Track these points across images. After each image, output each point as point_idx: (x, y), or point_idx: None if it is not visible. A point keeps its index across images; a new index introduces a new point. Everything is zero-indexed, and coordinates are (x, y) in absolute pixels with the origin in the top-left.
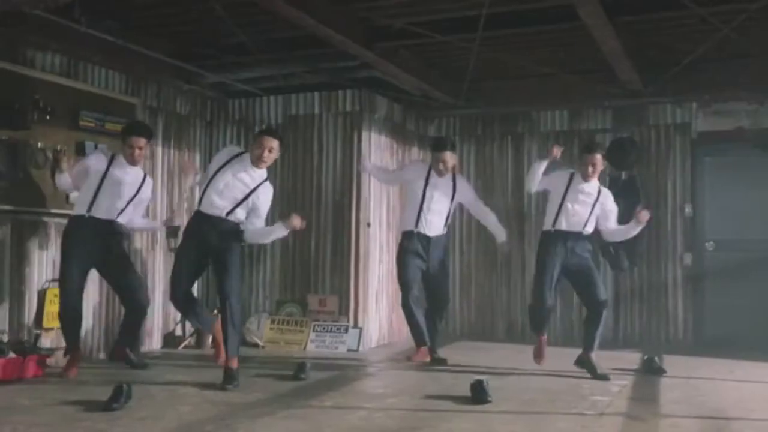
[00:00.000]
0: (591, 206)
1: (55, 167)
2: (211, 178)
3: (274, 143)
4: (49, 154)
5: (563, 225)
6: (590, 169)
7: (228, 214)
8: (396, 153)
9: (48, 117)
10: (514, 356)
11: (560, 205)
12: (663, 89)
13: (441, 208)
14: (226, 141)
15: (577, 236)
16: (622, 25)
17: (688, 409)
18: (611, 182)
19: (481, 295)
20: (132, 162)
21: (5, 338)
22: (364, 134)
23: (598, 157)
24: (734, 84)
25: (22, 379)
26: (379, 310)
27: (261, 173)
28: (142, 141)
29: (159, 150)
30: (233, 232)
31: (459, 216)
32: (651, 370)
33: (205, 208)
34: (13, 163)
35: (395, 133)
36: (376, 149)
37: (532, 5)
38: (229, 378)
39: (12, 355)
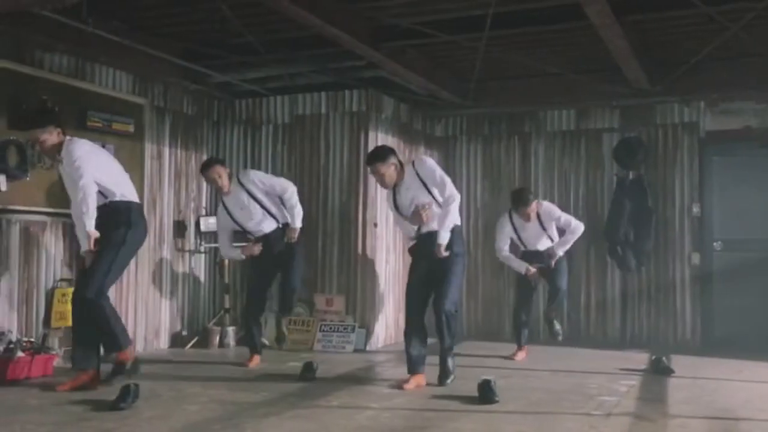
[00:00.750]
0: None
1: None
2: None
3: (216, 170)
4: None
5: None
6: (529, 216)
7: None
8: (403, 153)
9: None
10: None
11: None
12: (670, 88)
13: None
14: (233, 141)
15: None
16: (629, 24)
17: (696, 409)
18: (618, 182)
19: (488, 295)
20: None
21: (14, 338)
22: (371, 134)
23: (532, 206)
24: (742, 83)
25: (31, 378)
26: (385, 310)
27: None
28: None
29: (166, 150)
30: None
31: (465, 217)
32: (659, 370)
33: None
34: (21, 163)
35: (402, 133)
36: None
37: (539, 4)
38: None
39: (20, 354)
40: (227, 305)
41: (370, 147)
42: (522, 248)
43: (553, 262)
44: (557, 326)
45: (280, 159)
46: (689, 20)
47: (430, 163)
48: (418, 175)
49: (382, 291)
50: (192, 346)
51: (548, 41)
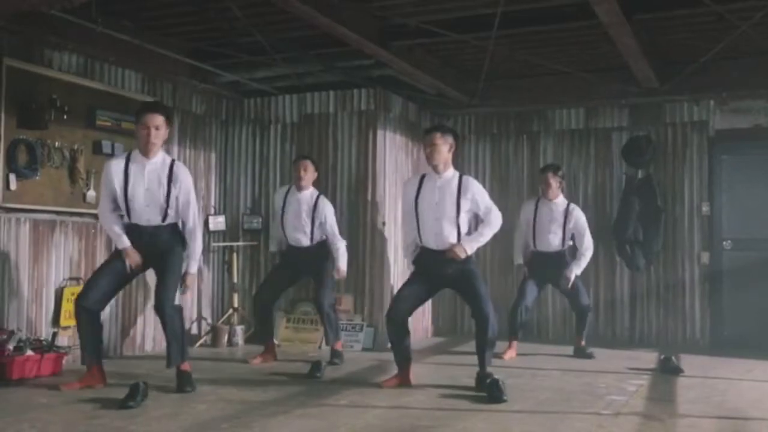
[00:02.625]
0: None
1: None
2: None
3: (303, 164)
4: (66, 154)
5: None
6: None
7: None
8: (411, 152)
9: (65, 116)
10: (530, 356)
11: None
12: (680, 87)
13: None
14: (241, 140)
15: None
16: (638, 22)
17: (706, 408)
18: (627, 181)
19: (496, 295)
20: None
21: (23, 336)
22: (379, 133)
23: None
24: (752, 81)
25: (40, 377)
26: None
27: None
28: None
29: (175, 149)
30: None
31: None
32: (668, 370)
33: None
34: (31, 162)
35: (410, 132)
36: (391, 148)
37: (548, 3)
38: None
39: (30, 353)
40: (236, 304)
41: (378, 146)
42: (532, 246)
43: (570, 286)
44: (588, 350)
45: (289, 158)
46: (698, 19)
47: (480, 186)
48: (460, 184)
49: (390, 290)
50: (201, 345)
51: (557, 40)
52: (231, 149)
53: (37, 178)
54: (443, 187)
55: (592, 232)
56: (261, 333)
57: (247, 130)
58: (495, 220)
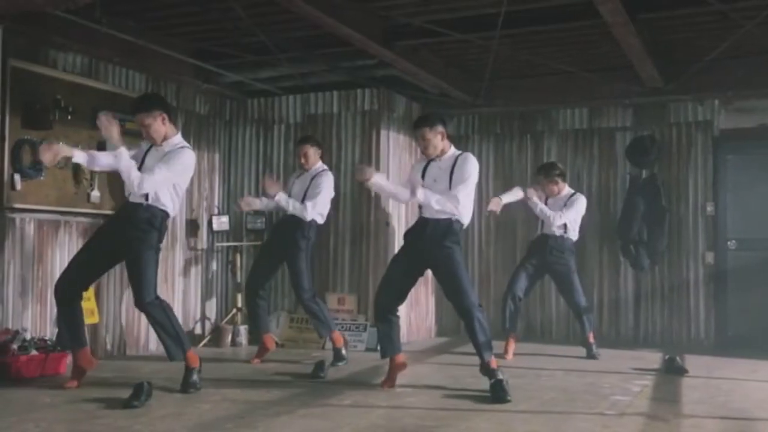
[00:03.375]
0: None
1: None
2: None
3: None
4: None
5: None
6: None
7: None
8: (414, 152)
9: (69, 117)
10: (533, 356)
11: None
12: (684, 86)
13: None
14: (245, 140)
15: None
16: (642, 22)
17: (710, 409)
18: (632, 181)
19: (500, 293)
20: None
21: (27, 336)
22: (383, 133)
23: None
24: (757, 81)
25: (44, 376)
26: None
27: None
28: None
29: None
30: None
31: (477, 215)
32: (672, 370)
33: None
34: (36, 162)
35: (413, 132)
36: (395, 148)
37: (552, 3)
38: None
39: (34, 352)
40: (239, 304)
41: (382, 146)
42: (539, 230)
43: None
44: (594, 350)
45: (292, 158)
46: (703, 18)
47: (473, 163)
48: (455, 162)
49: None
50: (204, 345)
51: (560, 40)
52: (235, 149)
53: (42, 178)
54: (443, 167)
55: (596, 232)
56: (250, 325)
57: (250, 130)
58: (452, 202)
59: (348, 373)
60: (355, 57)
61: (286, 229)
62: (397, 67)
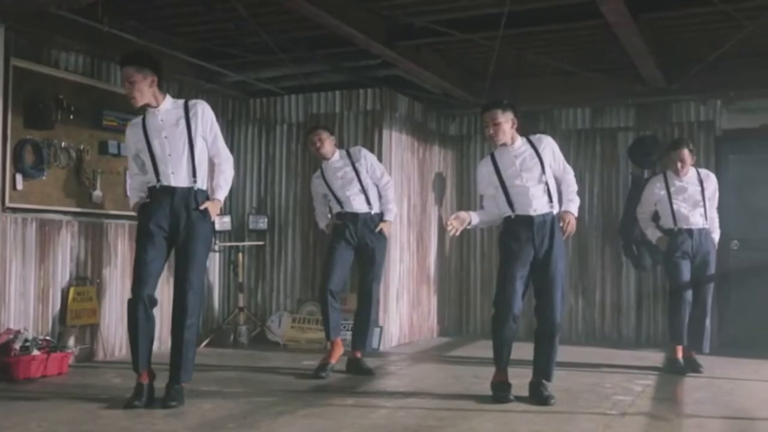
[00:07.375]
0: None
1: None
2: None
3: (318, 135)
4: (73, 154)
5: None
6: (679, 164)
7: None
8: (417, 152)
9: (71, 116)
10: None
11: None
12: (687, 86)
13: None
14: (247, 140)
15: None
16: (645, 22)
17: (713, 409)
18: (634, 181)
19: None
20: None
21: (29, 336)
22: (385, 132)
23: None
24: (759, 81)
25: (46, 376)
26: (399, 308)
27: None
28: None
29: None
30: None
31: None
32: (674, 370)
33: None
34: (38, 162)
35: (416, 132)
36: (397, 148)
37: (554, 2)
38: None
39: (36, 352)
40: (241, 304)
41: (384, 146)
42: (672, 224)
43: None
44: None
45: (295, 158)
46: (705, 18)
47: (553, 142)
48: (533, 145)
49: (396, 290)
50: (206, 345)
51: (563, 39)
52: (237, 149)
53: (44, 178)
54: (526, 153)
55: (598, 232)
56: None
57: (253, 130)
58: (572, 180)
59: (350, 373)
60: (358, 57)
61: (365, 227)
62: (399, 67)
